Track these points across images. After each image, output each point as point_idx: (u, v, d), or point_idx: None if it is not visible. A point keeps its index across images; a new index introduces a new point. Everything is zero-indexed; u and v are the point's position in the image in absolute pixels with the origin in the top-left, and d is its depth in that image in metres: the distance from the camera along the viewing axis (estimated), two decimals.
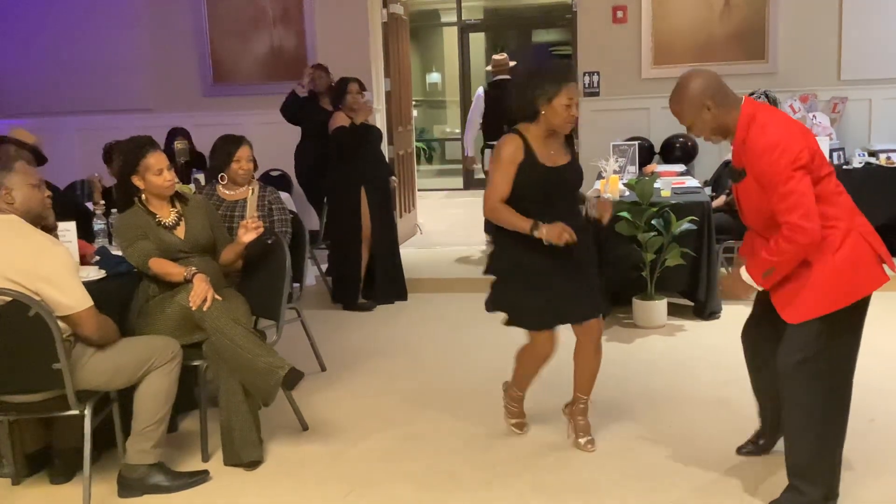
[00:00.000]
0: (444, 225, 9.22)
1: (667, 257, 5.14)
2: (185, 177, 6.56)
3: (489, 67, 7.98)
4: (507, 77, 7.53)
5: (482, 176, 13.02)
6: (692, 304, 5.51)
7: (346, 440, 3.83)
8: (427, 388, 4.43)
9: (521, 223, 3.33)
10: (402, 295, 6.21)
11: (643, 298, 5.29)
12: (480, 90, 7.76)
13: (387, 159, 7.20)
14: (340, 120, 5.92)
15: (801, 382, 2.90)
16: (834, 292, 2.80)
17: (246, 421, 3.52)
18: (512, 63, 7.61)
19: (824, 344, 2.85)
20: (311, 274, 6.75)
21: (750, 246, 3.11)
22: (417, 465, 3.56)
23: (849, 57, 7.30)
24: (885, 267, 2.91)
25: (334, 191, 6.09)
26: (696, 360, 4.70)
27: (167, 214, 3.74)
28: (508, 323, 3.56)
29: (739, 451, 3.56)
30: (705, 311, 5.39)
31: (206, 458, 3.64)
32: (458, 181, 12.63)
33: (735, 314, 5.45)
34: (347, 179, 5.98)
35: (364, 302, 6.05)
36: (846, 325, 2.89)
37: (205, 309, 3.49)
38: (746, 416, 3.90)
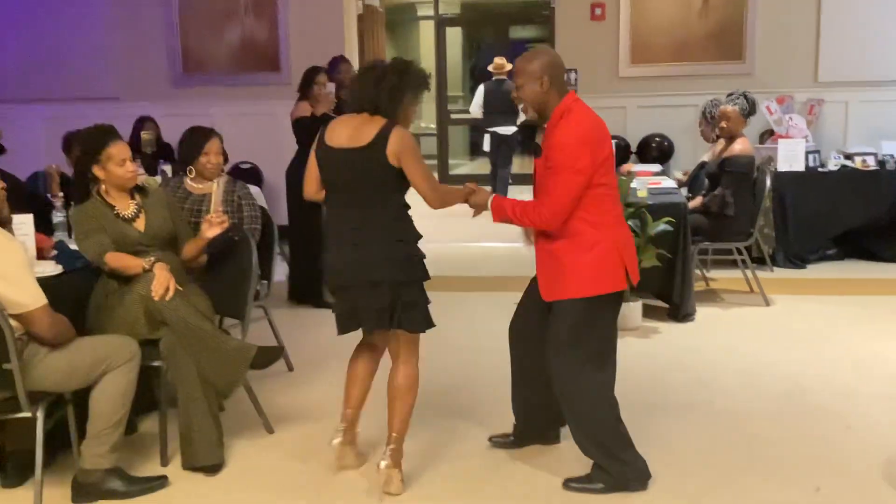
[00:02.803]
0: (416, 220, 9.10)
1: (642, 258, 5.06)
2: (151, 168, 6.41)
3: (491, 67, 9.10)
4: (504, 77, 8.59)
5: (458, 172, 13.01)
6: (667, 306, 5.45)
7: (313, 445, 3.71)
8: None
9: (459, 194, 3.35)
10: None
11: None
12: (482, 87, 9.07)
13: None
14: (302, 110, 5.81)
15: (565, 363, 3.20)
16: (579, 283, 3.16)
17: (206, 422, 3.40)
18: (508, 66, 8.39)
19: (582, 329, 3.19)
20: (282, 270, 6.62)
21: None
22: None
23: (826, 59, 7.30)
24: (628, 277, 3.25)
25: (295, 183, 5.92)
26: (669, 364, 4.64)
27: (126, 206, 3.60)
28: (422, 330, 3.29)
29: (491, 440, 3.63)
30: (680, 313, 5.34)
31: (165, 463, 3.50)
32: (433, 176, 12.50)
33: (710, 316, 5.45)
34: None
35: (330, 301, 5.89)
36: (599, 314, 3.23)
37: (167, 299, 3.36)
38: (720, 420, 3.86)
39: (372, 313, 3.17)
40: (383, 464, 3.21)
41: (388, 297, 3.13)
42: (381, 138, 3.11)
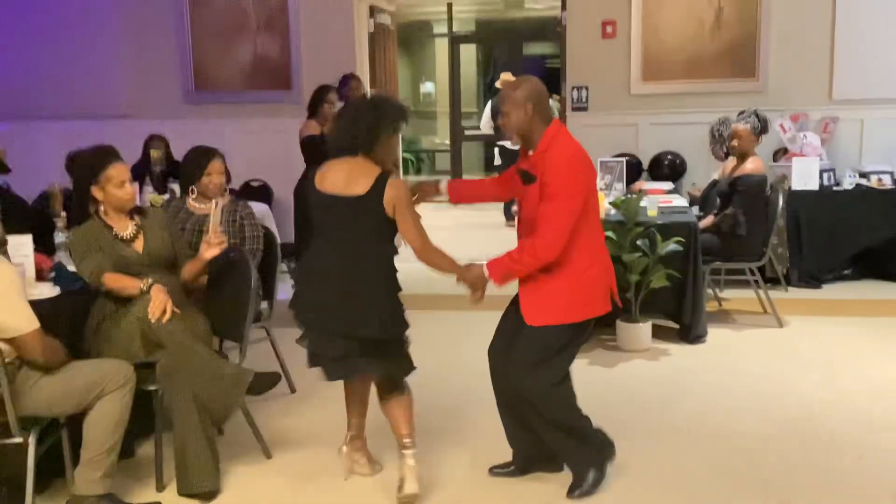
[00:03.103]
0: (431, 232, 9.05)
1: (652, 279, 4.99)
2: (161, 185, 6.41)
3: (498, 84, 8.50)
4: None
5: None
6: (677, 326, 5.36)
7: (312, 470, 3.65)
8: None
9: (455, 266, 3.26)
10: None
11: (627, 321, 5.14)
12: (490, 103, 9.41)
13: None
14: (311, 129, 5.80)
15: (536, 382, 3.20)
16: (568, 308, 3.19)
17: (201, 447, 3.34)
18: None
19: (555, 352, 3.22)
20: (290, 290, 6.57)
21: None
22: (389, 501, 3.38)
23: (841, 76, 7.20)
24: (613, 301, 3.35)
25: (303, 201, 5.88)
26: (678, 387, 4.54)
27: (125, 227, 3.58)
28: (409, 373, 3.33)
29: (492, 470, 3.55)
30: (690, 334, 5.24)
31: (160, 488, 3.45)
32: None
33: (721, 338, 5.35)
34: None
35: None
36: (578, 337, 3.29)
37: (163, 321, 3.32)
38: (729, 448, 3.76)
39: (347, 363, 3.19)
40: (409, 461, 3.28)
41: (368, 350, 3.15)
42: (378, 188, 3.12)
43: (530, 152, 3.26)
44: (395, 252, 3.27)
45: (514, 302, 3.32)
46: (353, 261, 3.15)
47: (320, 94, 5.96)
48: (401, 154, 9.30)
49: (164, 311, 3.34)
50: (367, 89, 7.57)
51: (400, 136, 3.33)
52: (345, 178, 3.16)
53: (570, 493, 3.34)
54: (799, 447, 3.77)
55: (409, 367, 3.30)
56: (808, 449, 3.75)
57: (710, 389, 4.50)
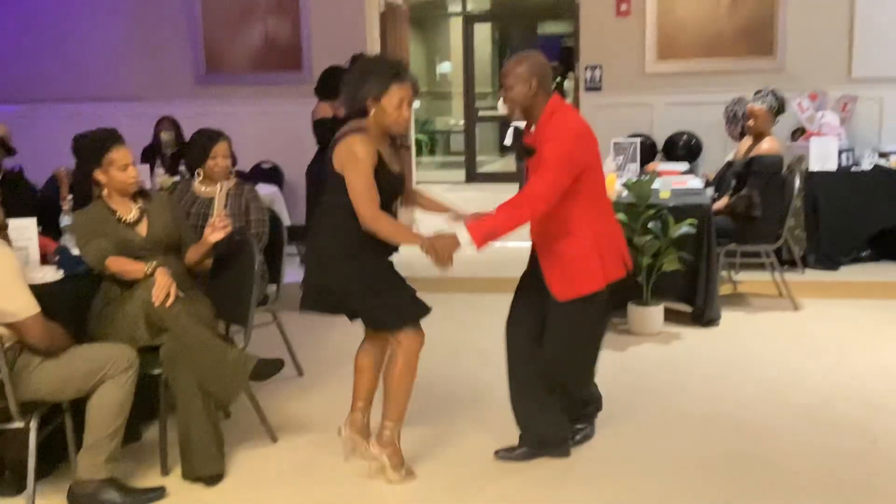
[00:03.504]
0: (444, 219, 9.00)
1: (664, 262, 4.92)
2: (171, 168, 6.39)
3: None
4: None
5: (486, 170, 12.87)
6: (690, 309, 5.28)
7: (318, 454, 3.62)
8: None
9: (409, 235, 3.20)
10: None
11: (639, 304, 5.07)
12: None
13: None
14: (324, 111, 5.72)
15: (569, 357, 3.38)
16: (591, 278, 3.26)
17: (205, 431, 3.32)
18: None
19: (591, 323, 3.38)
20: (300, 272, 6.54)
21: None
22: (397, 485, 3.33)
23: (860, 54, 7.06)
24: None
25: (315, 183, 5.83)
26: (690, 372, 4.48)
27: (128, 211, 3.55)
28: (395, 327, 3.27)
29: (498, 453, 3.53)
30: (703, 318, 5.17)
31: (165, 472, 3.43)
32: (461, 174, 12.41)
33: (735, 321, 5.27)
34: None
35: None
36: (603, 306, 3.38)
37: (167, 305, 3.29)
38: (741, 433, 3.70)
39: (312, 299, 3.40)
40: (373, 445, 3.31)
41: (324, 296, 3.35)
42: (334, 148, 3.23)
43: (533, 128, 3.29)
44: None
45: (530, 281, 3.33)
46: (318, 217, 3.33)
47: (333, 76, 5.89)
48: (414, 135, 9.18)
49: (169, 295, 3.31)
50: None
51: (404, 99, 3.18)
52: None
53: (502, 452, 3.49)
54: (812, 432, 3.71)
55: (378, 320, 3.29)
56: (821, 434, 3.68)
57: (722, 374, 4.43)
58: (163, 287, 3.32)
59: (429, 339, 3.35)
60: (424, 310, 3.29)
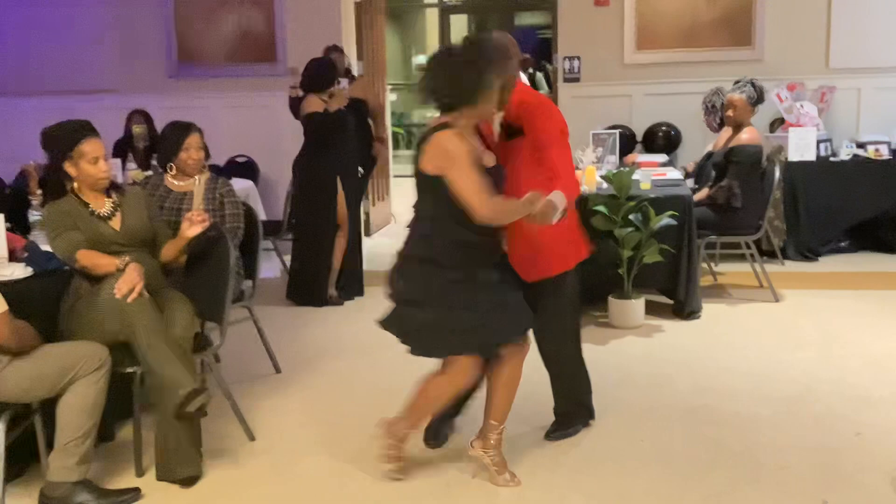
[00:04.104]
0: None
1: (644, 254, 4.88)
2: (144, 162, 6.27)
3: None
4: None
5: None
6: (671, 301, 5.26)
7: (297, 454, 3.55)
8: (387, 392, 4.14)
9: (522, 207, 2.85)
10: (360, 291, 5.90)
11: (619, 297, 5.03)
12: None
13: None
14: (313, 105, 5.59)
15: (561, 338, 3.49)
16: (562, 257, 3.33)
17: (183, 432, 3.23)
18: None
19: (569, 300, 3.42)
20: (277, 267, 6.47)
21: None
22: (375, 484, 3.28)
23: (838, 44, 7.06)
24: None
25: (311, 179, 5.71)
26: (671, 365, 4.44)
27: (102, 205, 3.45)
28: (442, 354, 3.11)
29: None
30: (685, 310, 5.14)
31: (140, 473, 3.34)
32: None
33: (716, 313, 5.25)
34: (323, 168, 5.63)
35: (334, 295, 5.72)
36: (574, 283, 3.44)
37: (129, 300, 3.19)
38: (724, 426, 3.67)
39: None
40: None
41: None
42: (421, 147, 3.05)
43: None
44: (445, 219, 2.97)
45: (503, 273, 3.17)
46: (412, 226, 3.14)
47: (321, 68, 5.76)
48: (390, 128, 9.08)
49: (133, 291, 3.21)
50: (353, 62, 7.41)
51: (479, 86, 2.89)
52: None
53: (549, 436, 3.59)
54: (795, 425, 3.68)
55: (415, 342, 3.09)
56: (804, 427, 3.66)
57: (704, 366, 4.41)
58: (128, 281, 3.21)
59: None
60: (495, 338, 3.06)
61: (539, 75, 11.99)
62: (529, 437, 3.58)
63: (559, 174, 3.10)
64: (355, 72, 7.31)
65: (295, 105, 6.17)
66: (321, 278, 5.69)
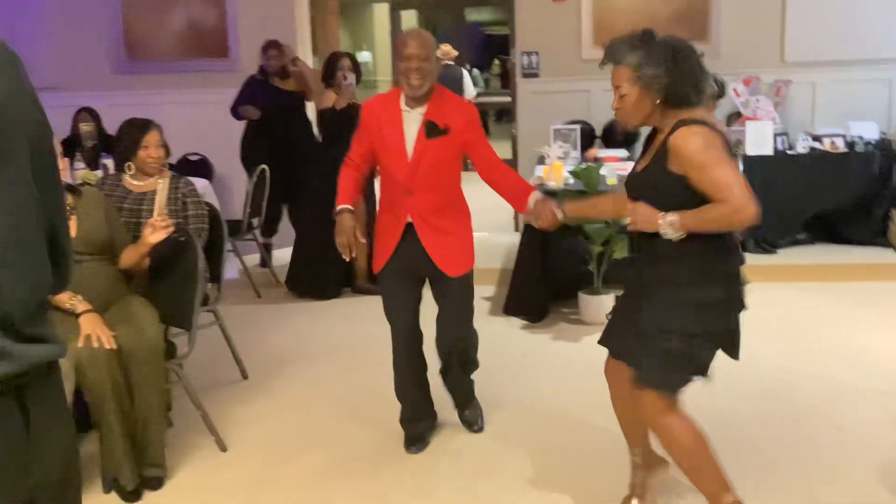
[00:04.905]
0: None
1: (614, 249, 4.85)
2: (92, 162, 6.04)
3: (438, 54, 8.29)
4: (451, 62, 9.49)
5: None
6: None
7: (267, 460, 3.42)
8: (360, 396, 4.04)
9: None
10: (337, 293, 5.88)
11: (589, 293, 5.00)
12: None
13: None
14: (328, 100, 5.53)
15: (471, 327, 3.55)
16: (472, 252, 3.45)
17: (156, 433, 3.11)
18: (455, 53, 9.63)
19: (471, 295, 3.50)
20: (234, 268, 6.30)
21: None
22: (352, 491, 3.18)
23: (792, 38, 7.12)
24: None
25: (320, 173, 5.56)
26: None
27: None
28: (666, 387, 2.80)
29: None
30: None
31: (108, 490, 3.19)
32: None
33: None
34: (335, 163, 5.50)
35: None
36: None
37: (95, 345, 3.05)
38: (705, 423, 3.60)
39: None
40: None
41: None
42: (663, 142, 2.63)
43: (425, 106, 3.28)
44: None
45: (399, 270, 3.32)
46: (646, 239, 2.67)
47: (334, 60, 5.66)
48: None
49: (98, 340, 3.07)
50: (307, 57, 7.26)
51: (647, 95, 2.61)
52: None
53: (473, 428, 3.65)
54: (776, 420, 3.68)
55: (653, 375, 2.73)
56: (784, 422, 3.66)
57: None
58: (93, 337, 3.08)
59: None
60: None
61: (470, 75, 11.82)
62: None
63: (511, 171, 3.43)
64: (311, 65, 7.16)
65: (255, 89, 6.36)
66: (320, 271, 5.70)
